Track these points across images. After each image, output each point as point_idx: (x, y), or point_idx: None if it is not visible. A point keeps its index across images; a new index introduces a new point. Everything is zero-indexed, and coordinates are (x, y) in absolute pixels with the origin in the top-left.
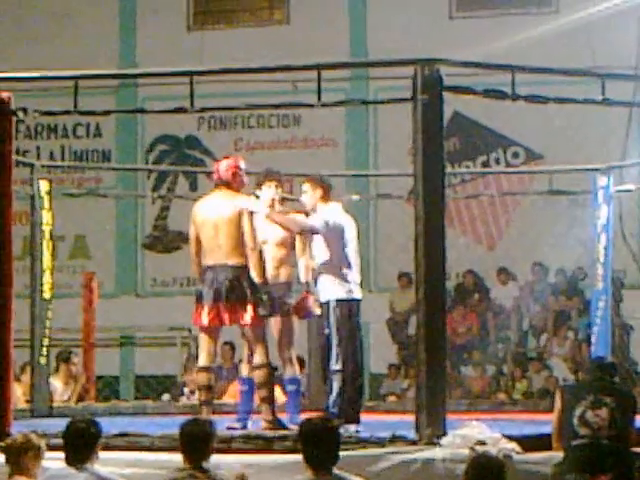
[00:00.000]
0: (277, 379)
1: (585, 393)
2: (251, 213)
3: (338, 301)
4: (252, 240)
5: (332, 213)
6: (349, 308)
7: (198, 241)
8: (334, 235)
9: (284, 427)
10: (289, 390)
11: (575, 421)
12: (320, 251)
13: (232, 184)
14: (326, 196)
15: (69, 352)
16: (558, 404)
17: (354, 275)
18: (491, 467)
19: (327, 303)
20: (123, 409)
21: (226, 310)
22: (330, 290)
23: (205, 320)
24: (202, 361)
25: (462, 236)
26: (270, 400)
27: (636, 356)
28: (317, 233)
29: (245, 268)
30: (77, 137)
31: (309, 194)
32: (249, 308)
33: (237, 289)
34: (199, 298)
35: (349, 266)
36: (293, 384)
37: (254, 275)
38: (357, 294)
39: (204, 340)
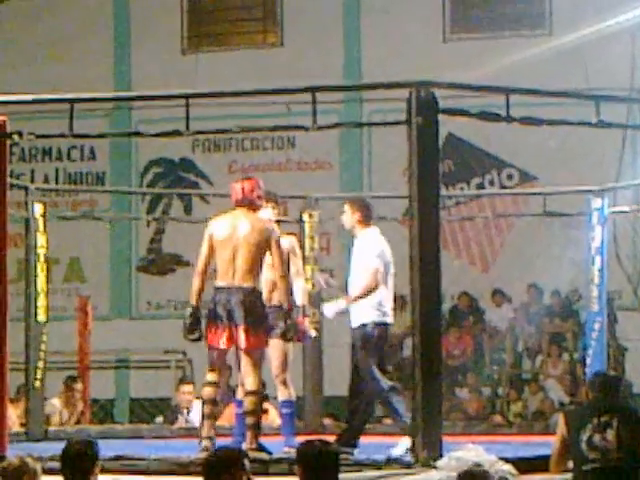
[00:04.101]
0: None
1: (589, 416)
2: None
3: (376, 324)
4: (281, 267)
5: (375, 240)
6: (382, 332)
7: (209, 259)
8: (381, 263)
9: (268, 453)
10: (284, 413)
11: (583, 446)
12: (359, 274)
13: (256, 205)
14: (366, 219)
15: (77, 376)
16: (562, 429)
17: (389, 300)
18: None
19: (361, 327)
20: (118, 432)
21: (239, 333)
22: (366, 314)
23: (221, 342)
24: (210, 377)
25: (456, 258)
26: (256, 428)
27: (631, 377)
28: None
29: (258, 291)
30: (71, 160)
31: (348, 215)
32: (259, 331)
33: (249, 312)
34: (211, 319)
35: (387, 291)
36: (288, 407)
37: (281, 301)
38: (390, 319)
39: (213, 360)
